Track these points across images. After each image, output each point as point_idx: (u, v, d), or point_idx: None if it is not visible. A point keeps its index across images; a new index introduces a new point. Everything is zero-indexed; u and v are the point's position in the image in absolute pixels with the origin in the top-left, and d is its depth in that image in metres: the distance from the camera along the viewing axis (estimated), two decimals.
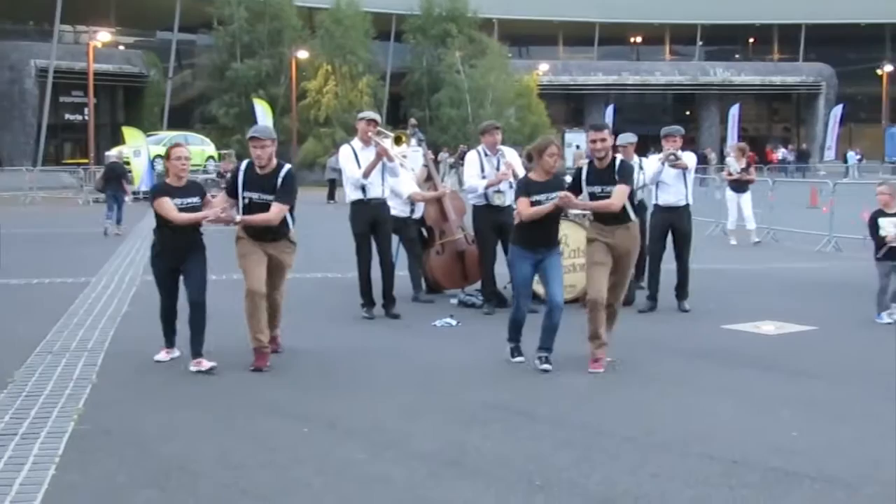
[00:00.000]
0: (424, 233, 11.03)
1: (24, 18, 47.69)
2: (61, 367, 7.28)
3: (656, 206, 10.05)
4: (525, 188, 7.36)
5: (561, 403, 6.38)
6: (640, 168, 9.99)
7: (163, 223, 7.30)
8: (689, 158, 10.12)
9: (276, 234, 7.45)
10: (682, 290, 9.99)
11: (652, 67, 61.29)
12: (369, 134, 9.42)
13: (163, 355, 7.54)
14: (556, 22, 56.67)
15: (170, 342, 7.57)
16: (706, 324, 9.24)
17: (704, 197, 21.28)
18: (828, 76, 60.78)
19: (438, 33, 48.60)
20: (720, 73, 61.09)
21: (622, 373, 7.21)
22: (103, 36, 43.86)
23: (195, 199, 7.34)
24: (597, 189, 7.40)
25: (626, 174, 7.41)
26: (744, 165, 17.22)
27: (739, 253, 15.83)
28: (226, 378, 7.05)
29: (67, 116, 47.56)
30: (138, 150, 30.96)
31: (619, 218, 7.39)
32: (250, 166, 7.44)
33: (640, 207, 9.59)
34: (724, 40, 62.95)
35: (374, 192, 9.45)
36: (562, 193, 7.23)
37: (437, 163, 25.87)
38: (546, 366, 7.19)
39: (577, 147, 35.71)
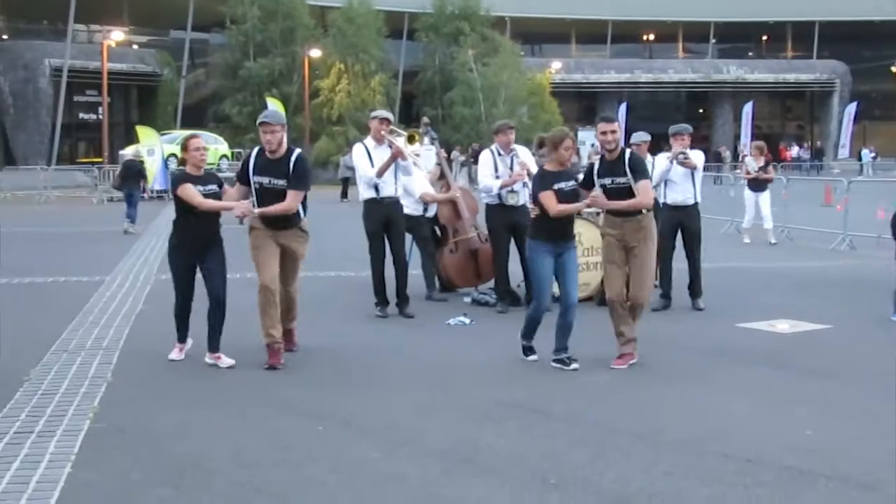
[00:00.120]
0: (438, 231, 11.04)
1: (38, 18, 47.82)
2: (77, 366, 7.32)
3: (665, 204, 10.04)
4: (543, 181, 7.26)
5: (575, 401, 6.38)
6: (652, 167, 9.98)
7: (186, 210, 7.30)
8: (697, 157, 10.12)
9: (287, 221, 7.47)
10: (694, 288, 10.00)
11: (665, 65, 61.03)
12: (383, 133, 9.43)
13: (176, 353, 7.57)
14: (569, 20, 56.51)
15: (182, 337, 7.61)
16: (720, 322, 9.22)
17: (718, 195, 21.21)
18: (842, 73, 60.38)
19: (451, 31, 48.48)
20: (733, 70, 60.74)
21: (637, 371, 7.21)
22: (117, 35, 43.93)
23: (214, 187, 7.41)
24: (607, 181, 7.38)
25: (639, 168, 7.39)
26: (762, 164, 17.12)
27: (753, 251, 15.78)
28: (240, 376, 7.08)
29: (81, 115, 47.66)
30: (152, 148, 31.02)
31: (628, 210, 7.37)
32: (261, 152, 7.45)
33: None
34: (738, 38, 62.59)
35: (387, 190, 9.45)
36: (592, 193, 7.27)
37: (449, 161, 25.86)
38: (575, 365, 7.18)
39: (592, 145, 35.61)
